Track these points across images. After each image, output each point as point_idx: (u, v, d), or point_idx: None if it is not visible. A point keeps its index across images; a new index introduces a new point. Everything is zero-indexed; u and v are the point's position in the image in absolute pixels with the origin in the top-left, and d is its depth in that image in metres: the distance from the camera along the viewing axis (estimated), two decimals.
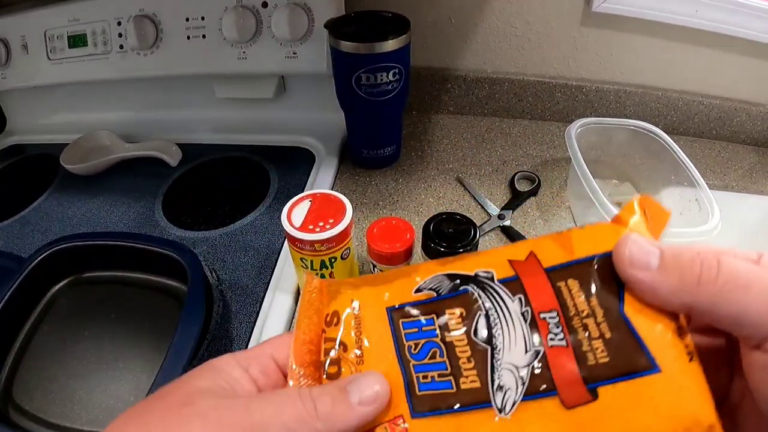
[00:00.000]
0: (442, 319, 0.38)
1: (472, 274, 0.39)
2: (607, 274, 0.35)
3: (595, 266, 0.36)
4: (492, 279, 0.38)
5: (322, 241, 0.77)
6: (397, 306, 0.40)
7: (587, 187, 0.91)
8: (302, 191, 1.10)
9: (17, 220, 1.18)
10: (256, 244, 1.05)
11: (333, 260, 0.82)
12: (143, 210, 1.16)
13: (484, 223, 1.05)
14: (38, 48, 1.33)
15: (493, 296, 0.38)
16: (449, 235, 0.78)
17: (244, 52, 1.21)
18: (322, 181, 1.17)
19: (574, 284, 0.36)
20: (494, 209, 1.08)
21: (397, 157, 1.25)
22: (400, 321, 0.40)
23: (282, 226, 0.79)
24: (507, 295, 0.37)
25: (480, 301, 0.38)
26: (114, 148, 1.32)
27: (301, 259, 0.82)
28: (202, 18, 1.20)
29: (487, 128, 1.36)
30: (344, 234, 0.79)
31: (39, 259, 0.94)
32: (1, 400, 0.85)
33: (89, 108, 1.48)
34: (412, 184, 1.17)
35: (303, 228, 0.78)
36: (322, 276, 0.83)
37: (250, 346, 0.87)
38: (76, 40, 1.30)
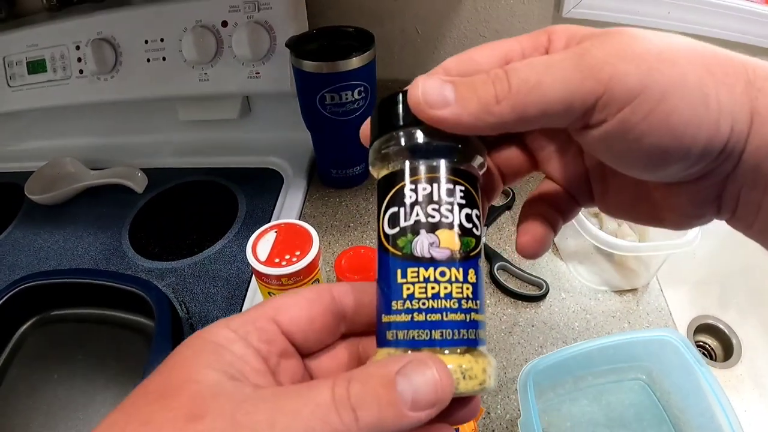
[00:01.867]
0: None
1: None
2: None
3: None
4: None
5: (289, 275, 0.76)
6: None
7: None
8: (270, 215, 1.09)
9: None
10: (226, 273, 1.02)
11: None
12: (110, 240, 1.13)
13: None
14: None
15: None
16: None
17: (205, 73, 1.18)
18: (290, 203, 1.15)
19: None
20: None
21: (367, 175, 1.22)
22: None
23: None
24: None
25: None
26: (78, 176, 1.29)
27: (269, 293, 0.80)
28: (162, 40, 1.18)
29: None
30: (312, 266, 0.77)
31: (6, 297, 0.92)
32: None
33: (52, 134, 1.45)
34: None
35: (269, 262, 0.76)
36: None
37: None
38: (36, 66, 1.27)
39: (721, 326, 1.09)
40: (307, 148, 1.27)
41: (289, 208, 1.13)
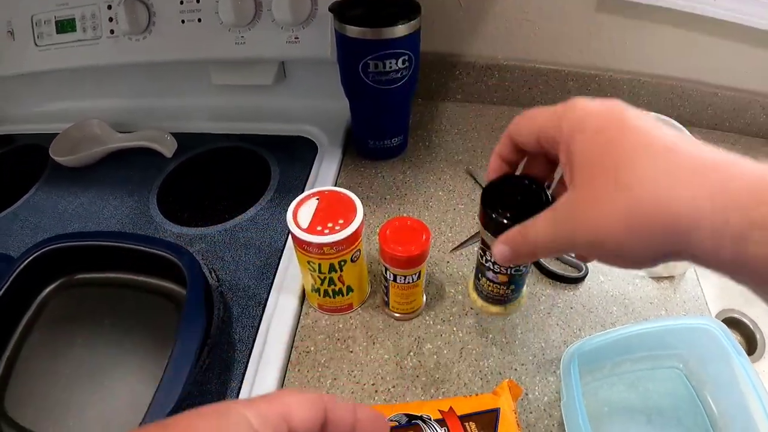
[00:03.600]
0: None
1: (419, 414, 0.66)
2: (488, 419, 0.66)
3: (483, 415, 0.66)
4: (430, 419, 0.65)
5: (331, 244, 0.73)
6: None
7: None
8: (305, 183, 1.06)
9: (6, 216, 1.13)
10: (258, 241, 1.00)
11: (343, 263, 0.77)
12: (137, 205, 1.11)
13: None
14: (25, 34, 1.27)
15: (432, 427, 0.65)
16: (514, 203, 0.60)
17: (242, 36, 1.15)
18: (325, 173, 1.12)
19: (472, 425, 0.65)
20: None
21: (404, 147, 1.19)
22: None
23: (287, 225, 0.74)
24: (438, 427, 0.65)
25: (424, 429, 0.65)
26: (105, 139, 1.26)
27: (308, 262, 0.77)
28: (198, 1, 1.14)
29: (497, 117, 1.31)
30: (355, 236, 0.75)
31: (29, 260, 0.89)
32: None
33: (79, 96, 1.42)
34: (420, 177, 1.12)
35: (310, 229, 0.73)
36: (330, 280, 0.80)
37: (254, 353, 0.82)
38: (65, 26, 1.24)
39: (746, 321, 1.07)
40: (342, 117, 1.24)
41: (323, 177, 1.11)
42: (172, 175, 1.19)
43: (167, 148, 1.21)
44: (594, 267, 0.93)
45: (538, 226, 0.48)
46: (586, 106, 0.45)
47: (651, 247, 0.39)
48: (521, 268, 0.76)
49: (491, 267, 0.76)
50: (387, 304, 0.85)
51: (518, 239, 0.50)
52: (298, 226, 0.73)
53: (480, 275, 0.79)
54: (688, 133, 0.87)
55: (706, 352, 0.74)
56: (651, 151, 0.39)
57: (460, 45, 1.31)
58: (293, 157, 1.19)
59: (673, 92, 1.24)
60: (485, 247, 0.74)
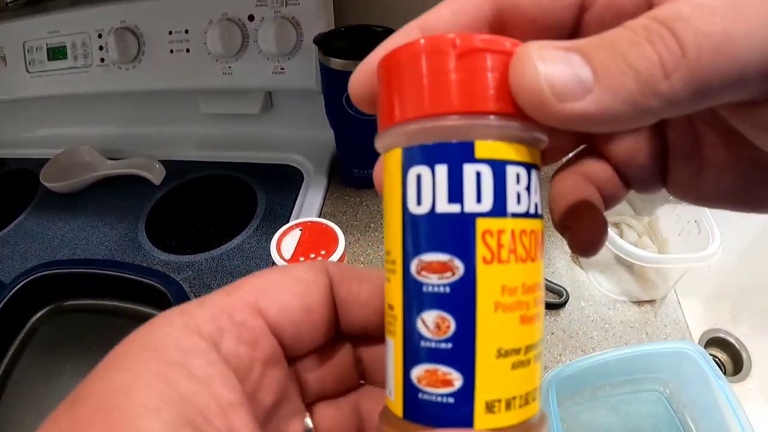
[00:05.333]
0: None
1: None
2: None
3: None
4: None
5: None
6: None
7: None
8: (290, 212, 1.07)
9: None
10: (244, 269, 1.01)
11: None
12: (126, 231, 1.12)
13: None
14: (17, 60, 1.29)
15: None
16: None
17: (229, 66, 1.17)
18: (311, 201, 1.13)
19: None
20: None
21: None
22: None
23: (271, 255, 0.76)
24: None
25: None
26: (95, 165, 1.28)
27: None
28: (186, 31, 1.16)
29: None
30: None
31: (19, 286, 0.91)
32: None
33: (70, 122, 1.44)
34: None
35: (293, 260, 0.75)
36: None
37: None
38: (56, 53, 1.26)
39: (732, 340, 1.08)
40: (328, 146, 1.25)
41: (309, 206, 1.12)
42: (160, 202, 1.20)
43: (156, 175, 1.22)
44: (575, 292, 0.94)
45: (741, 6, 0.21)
46: None
47: None
48: None
49: None
50: None
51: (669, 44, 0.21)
52: (282, 258, 0.75)
53: None
54: None
55: (687, 375, 0.75)
56: None
57: None
58: (280, 185, 1.21)
59: None
60: None
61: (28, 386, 0.87)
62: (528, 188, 0.25)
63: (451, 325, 0.24)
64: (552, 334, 0.88)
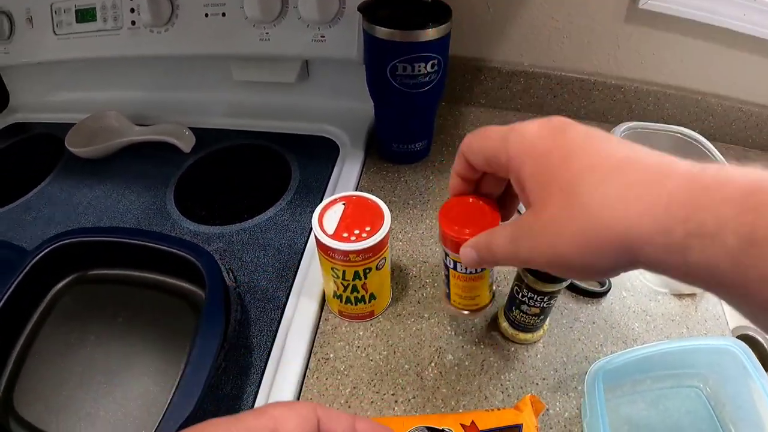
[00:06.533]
0: None
1: (440, 428, 0.64)
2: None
3: (505, 431, 0.65)
4: None
5: (357, 252, 0.71)
6: None
7: None
8: (326, 185, 1.04)
9: (18, 206, 1.11)
10: (277, 242, 0.98)
11: (368, 271, 0.76)
12: (153, 200, 1.09)
13: None
14: (44, 22, 1.25)
15: None
16: None
17: (266, 33, 1.13)
18: (347, 175, 1.09)
19: None
20: None
21: (428, 151, 1.17)
22: None
23: (308, 227, 0.72)
24: None
25: None
26: (122, 131, 1.24)
27: (332, 268, 0.75)
28: None
29: None
30: (382, 244, 0.73)
31: (43, 253, 0.87)
32: (1, 410, 0.78)
33: (97, 86, 1.40)
34: (443, 182, 1.10)
35: (336, 236, 0.71)
36: (354, 287, 0.78)
37: (271, 357, 0.81)
38: (85, 15, 1.22)
39: (760, 338, 1.05)
40: (365, 119, 1.22)
41: (345, 179, 1.08)
42: (189, 170, 1.17)
43: (185, 143, 1.19)
44: (617, 282, 0.92)
45: (500, 242, 0.49)
46: (530, 130, 0.46)
47: (607, 263, 0.41)
48: (552, 301, 0.74)
49: (526, 302, 0.74)
50: (448, 296, 0.81)
51: (483, 249, 0.52)
52: (324, 232, 0.71)
53: (514, 307, 0.78)
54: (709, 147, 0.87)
55: (727, 372, 0.75)
56: (596, 173, 0.41)
57: (487, 49, 1.29)
58: (314, 157, 1.17)
59: (698, 106, 1.22)
60: (521, 284, 0.73)
61: (50, 357, 0.83)
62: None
63: None
64: (593, 323, 0.86)
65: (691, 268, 0.36)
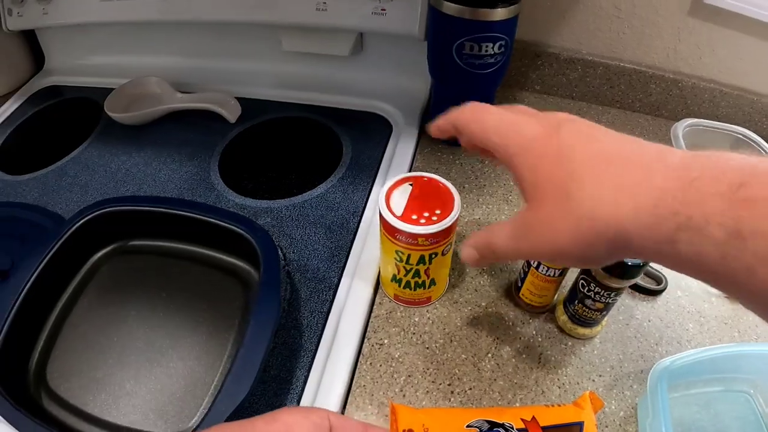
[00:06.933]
0: None
1: (501, 422, 0.60)
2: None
3: (566, 428, 0.61)
4: (512, 428, 0.59)
5: (426, 236, 0.67)
6: None
7: None
8: (379, 163, 1.02)
9: (53, 171, 1.08)
10: (328, 220, 0.94)
11: (434, 256, 0.72)
12: (197, 170, 1.05)
13: None
14: None
15: None
16: None
17: (324, 2, 1.08)
18: (401, 154, 1.06)
19: None
20: None
21: None
22: None
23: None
24: None
25: None
26: (164, 98, 1.21)
27: (396, 251, 0.71)
28: None
29: (576, 113, 1.23)
30: (451, 228, 0.70)
31: (82, 221, 0.84)
32: (33, 383, 0.75)
33: (138, 51, 1.36)
34: (499, 167, 1.06)
35: (405, 217, 0.68)
36: (416, 272, 0.75)
37: (323, 340, 0.78)
38: None
39: None
40: (420, 97, 1.18)
41: (399, 159, 1.04)
42: (235, 141, 1.13)
43: (231, 112, 1.15)
44: (672, 281, 0.89)
45: (501, 240, 0.51)
46: (529, 131, 0.49)
47: (603, 254, 0.44)
48: (618, 297, 0.73)
49: (592, 296, 0.73)
50: (518, 289, 0.81)
51: (484, 248, 0.54)
52: (392, 213, 0.68)
53: (576, 301, 0.76)
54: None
55: None
56: (587, 171, 0.43)
57: (546, 35, 1.25)
58: (366, 134, 1.13)
59: (752, 107, 1.18)
60: (589, 279, 0.71)
61: (86, 330, 0.80)
62: None
63: None
64: (649, 321, 0.84)
65: (681, 258, 0.38)
